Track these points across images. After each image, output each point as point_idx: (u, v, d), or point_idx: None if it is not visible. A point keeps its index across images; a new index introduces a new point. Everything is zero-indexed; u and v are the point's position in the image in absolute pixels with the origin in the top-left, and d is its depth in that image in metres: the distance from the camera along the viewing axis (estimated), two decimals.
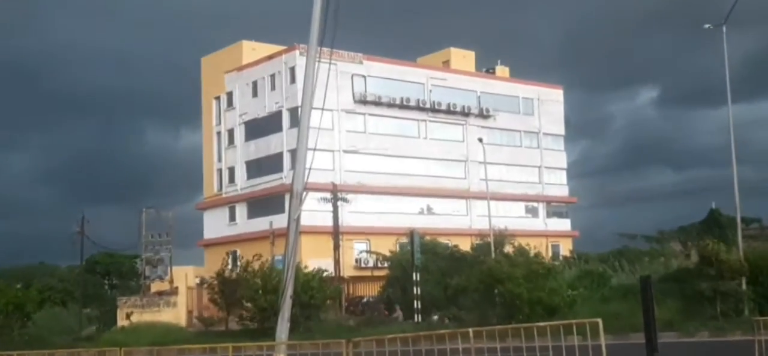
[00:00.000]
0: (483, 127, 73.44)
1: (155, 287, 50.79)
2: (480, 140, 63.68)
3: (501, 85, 77.92)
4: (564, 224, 79.75)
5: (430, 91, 72.06)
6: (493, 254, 47.43)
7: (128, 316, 45.17)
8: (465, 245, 53.80)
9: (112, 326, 44.85)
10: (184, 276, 50.43)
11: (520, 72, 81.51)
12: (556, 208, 79.77)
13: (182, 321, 45.31)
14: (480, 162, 64.90)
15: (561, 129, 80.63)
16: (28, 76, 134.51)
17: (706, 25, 37.93)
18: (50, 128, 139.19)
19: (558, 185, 79.76)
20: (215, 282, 43.34)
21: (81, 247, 48.76)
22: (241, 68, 70.82)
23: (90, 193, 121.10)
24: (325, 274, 43.02)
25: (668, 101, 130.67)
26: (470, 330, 13.18)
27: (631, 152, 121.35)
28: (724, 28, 37.23)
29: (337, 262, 51.68)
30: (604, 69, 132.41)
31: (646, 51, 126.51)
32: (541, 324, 13.29)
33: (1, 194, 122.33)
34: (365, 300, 52.25)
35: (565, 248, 74.06)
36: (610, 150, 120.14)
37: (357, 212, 63.45)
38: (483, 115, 74.33)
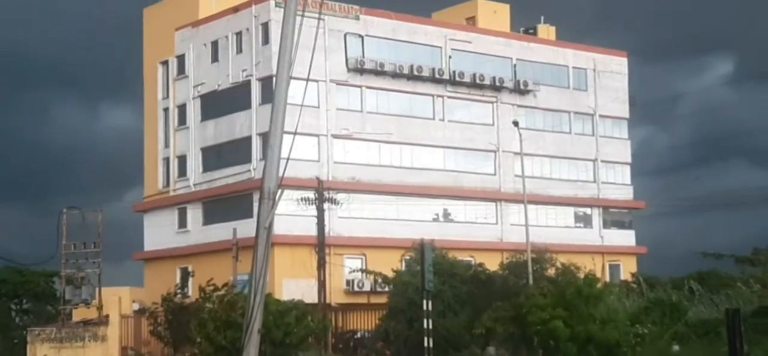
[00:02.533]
0: (520, 106, 73.42)
1: (79, 314, 50.85)
2: (515, 123, 63.68)
3: (544, 51, 77.89)
4: (627, 237, 79.77)
5: (450, 57, 71.98)
6: (530, 276, 47.50)
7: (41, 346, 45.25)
8: (494, 262, 53.82)
9: None
10: (118, 301, 50.40)
11: (570, 34, 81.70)
12: (615, 215, 79.81)
13: None
14: (515, 153, 64.96)
15: (624, 111, 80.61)
16: None
17: None
18: None
19: (619, 185, 79.75)
20: (160, 310, 43.44)
21: None
22: (196, 24, 70.86)
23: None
24: (305, 303, 43.03)
25: (746, 77, 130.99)
26: None
27: (701, 143, 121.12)
28: None
29: (322, 284, 51.64)
30: (663, 33, 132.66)
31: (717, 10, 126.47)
32: None
33: None
34: (359, 335, 52.27)
35: (628, 269, 74.06)
36: (675, 141, 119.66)
37: (350, 218, 63.65)
38: (520, 90, 74.28)
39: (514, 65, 74.96)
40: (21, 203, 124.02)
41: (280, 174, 15.15)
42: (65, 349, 45.67)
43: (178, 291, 46.18)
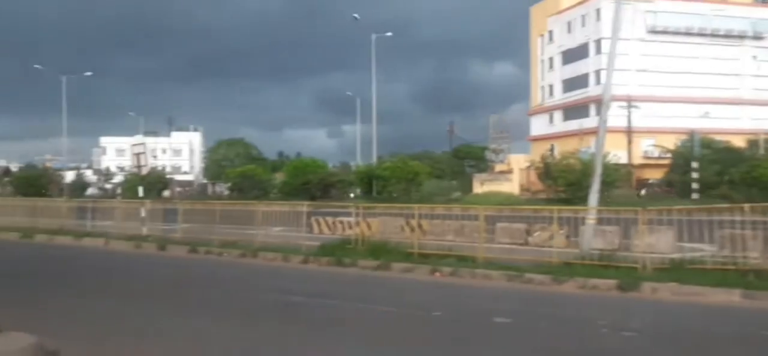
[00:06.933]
0: (757, 47, 62.67)
1: (498, 168, 51.97)
2: (754, 57, 54.80)
3: None
4: None
5: (712, 20, 62.95)
6: (762, 150, 41.38)
7: (482, 184, 46.81)
8: (737, 142, 47.31)
9: (470, 192, 46.85)
10: (517, 161, 50.96)
11: None
12: None
13: (516, 191, 46.05)
14: (753, 76, 56.02)
15: None
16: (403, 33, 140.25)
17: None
18: (420, 67, 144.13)
19: None
20: (540, 165, 43.20)
21: (450, 140, 51.10)
22: (559, 12, 67.68)
23: (453, 106, 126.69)
24: (621, 163, 40.73)
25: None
26: (745, 205, 11.77)
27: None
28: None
29: (629, 153, 48.84)
30: None
31: None
32: None
33: (392, 109, 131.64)
34: (650, 181, 48.75)
35: None
36: None
37: (646, 116, 58.28)
38: (757, 37, 63.31)
39: (754, 23, 63.91)
40: (473, 112, 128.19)
41: (610, 93, 14.51)
42: (492, 185, 46.90)
43: (548, 156, 45.35)
